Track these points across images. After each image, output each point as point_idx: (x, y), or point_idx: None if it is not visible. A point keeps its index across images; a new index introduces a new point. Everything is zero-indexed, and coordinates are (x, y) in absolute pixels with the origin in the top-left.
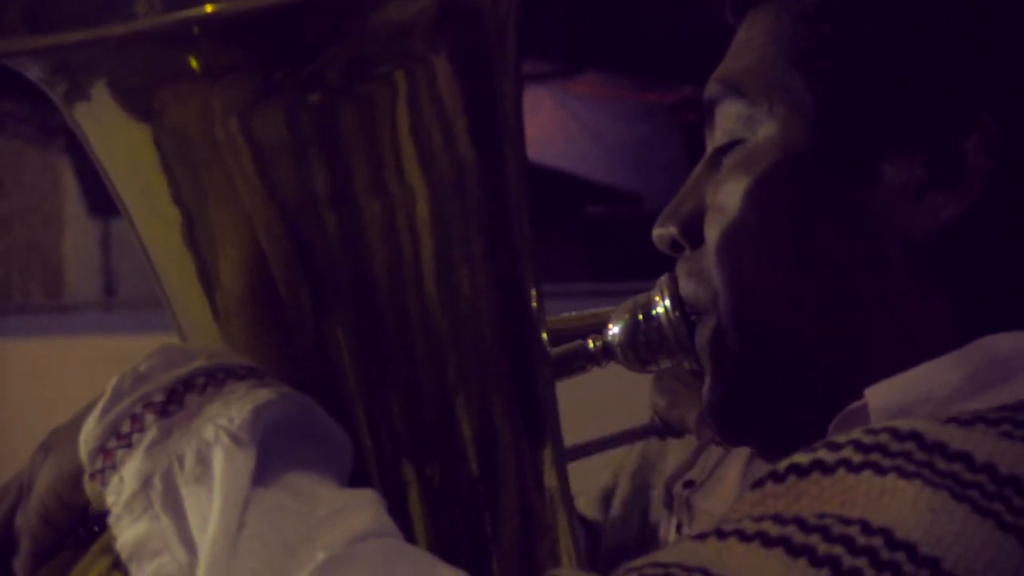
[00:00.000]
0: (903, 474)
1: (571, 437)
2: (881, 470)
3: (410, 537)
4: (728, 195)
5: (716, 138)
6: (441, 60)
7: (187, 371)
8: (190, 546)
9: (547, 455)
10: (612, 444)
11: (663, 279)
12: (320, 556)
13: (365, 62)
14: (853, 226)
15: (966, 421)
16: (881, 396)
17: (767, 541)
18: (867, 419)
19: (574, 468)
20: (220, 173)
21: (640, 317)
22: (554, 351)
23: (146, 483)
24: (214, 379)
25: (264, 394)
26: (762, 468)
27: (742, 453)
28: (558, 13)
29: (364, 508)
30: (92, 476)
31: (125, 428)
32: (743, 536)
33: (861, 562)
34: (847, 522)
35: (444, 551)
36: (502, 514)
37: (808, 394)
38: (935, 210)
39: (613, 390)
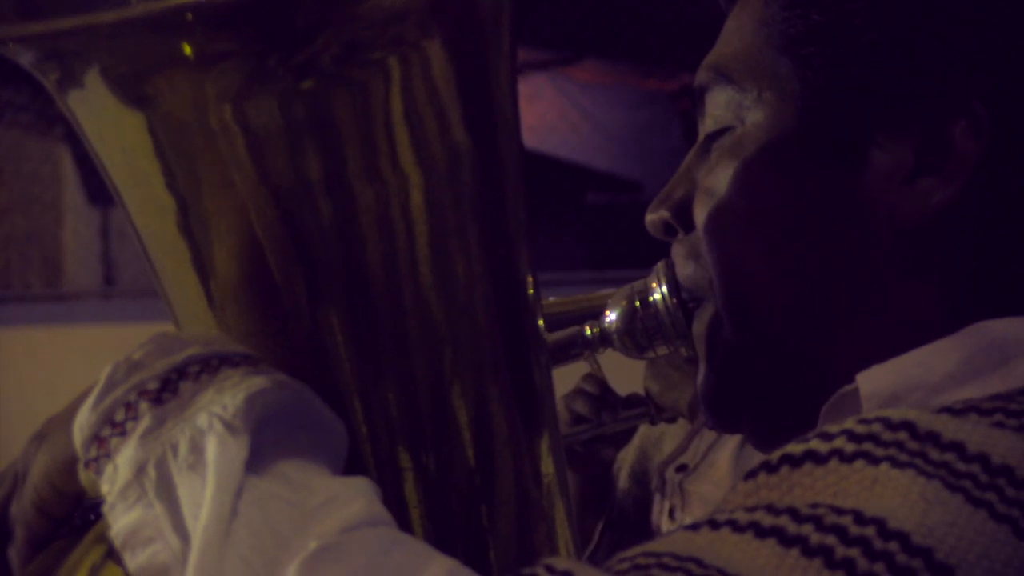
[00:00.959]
0: (896, 464)
1: None
2: (874, 460)
3: (406, 524)
4: (717, 180)
5: (706, 125)
6: (435, 46)
7: (181, 359)
8: (183, 534)
9: (544, 442)
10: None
11: (660, 265)
12: (312, 545)
13: (359, 48)
14: (842, 212)
15: (958, 410)
16: (873, 381)
17: (760, 532)
18: (858, 404)
19: None
20: (214, 160)
21: (637, 304)
22: (551, 338)
23: (140, 471)
24: (208, 366)
25: (258, 381)
26: (754, 453)
27: (734, 437)
28: (558, 1)
29: (357, 497)
30: (87, 464)
31: (119, 416)
32: (736, 527)
33: (854, 552)
34: (840, 512)
35: (440, 538)
36: (498, 501)
37: (798, 381)
38: (924, 196)
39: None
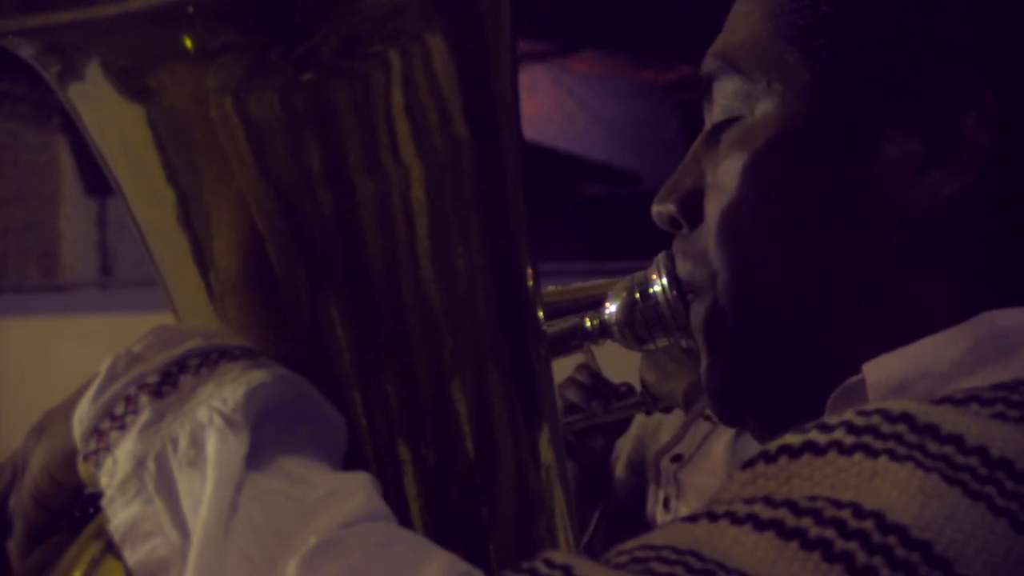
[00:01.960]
0: (894, 457)
1: None
2: (873, 452)
3: (405, 517)
4: (727, 173)
5: (714, 114)
6: (436, 38)
7: (181, 352)
8: (183, 529)
9: (543, 434)
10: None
11: (660, 257)
12: (312, 540)
13: (359, 41)
14: (852, 204)
15: (960, 401)
16: (879, 371)
17: (759, 524)
18: (864, 394)
19: None
20: (214, 153)
21: (637, 296)
22: (551, 330)
23: (139, 465)
24: (208, 360)
25: (258, 376)
26: (749, 443)
27: (730, 428)
28: None
29: (357, 492)
30: (86, 457)
31: (119, 409)
32: (734, 519)
33: (852, 545)
34: (839, 505)
35: (440, 530)
36: (498, 493)
37: (807, 372)
38: (934, 187)
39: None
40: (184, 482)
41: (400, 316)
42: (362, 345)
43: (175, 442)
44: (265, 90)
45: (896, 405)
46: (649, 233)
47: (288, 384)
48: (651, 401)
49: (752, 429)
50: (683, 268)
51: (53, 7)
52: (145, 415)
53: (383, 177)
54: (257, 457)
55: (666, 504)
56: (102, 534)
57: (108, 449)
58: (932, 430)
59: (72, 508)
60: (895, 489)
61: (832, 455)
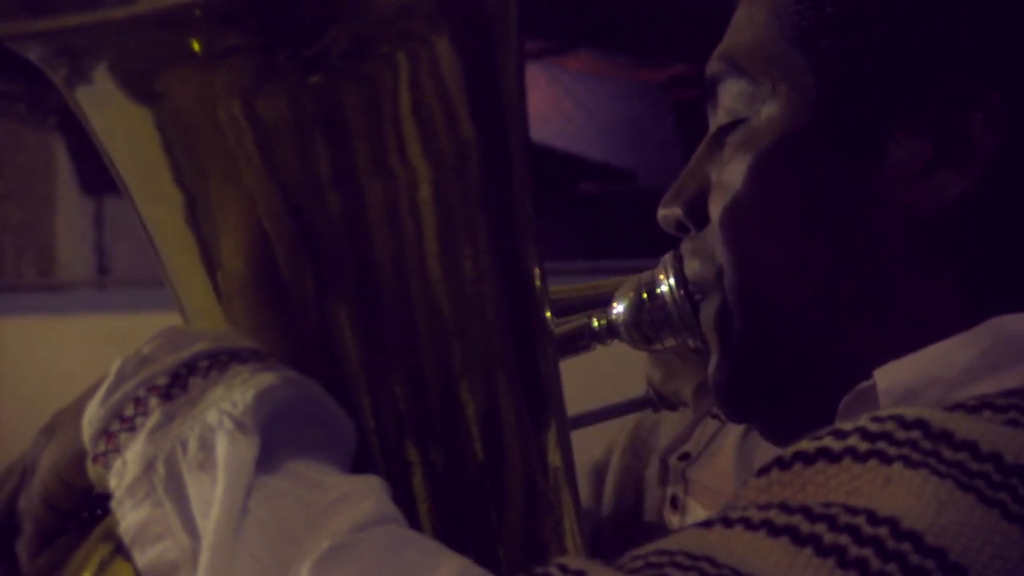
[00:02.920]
0: (909, 463)
1: (569, 412)
2: (887, 459)
3: (414, 518)
4: (732, 174)
5: (719, 117)
6: (443, 40)
7: (190, 354)
8: (193, 531)
9: (551, 434)
10: (607, 416)
11: (668, 257)
12: (324, 544)
13: (367, 43)
14: (857, 205)
15: (972, 407)
16: (890, 377)
17: (773, 530)
18: (875, 400)
19: None
20: (222, 155)
21: (644, 296)
22: (558, 330)
23: (149, 467)
24: (218, 362)
25: (267, 378)
26: (757, 442)
27: (737, 426)
28: None
29: (368, 495)
30: (95, 459)
31: (128, 411)
32: (749, 524)
33: (867, 552)
34: (853, 511)
35: (448, 532)
36: (506, 494)
37: (813, 373)
38: (940, 188)
39: (610, 364)
40: (194, 485)
41: (408, 317)
42: (370, 347)
43: (185, 444)
44: (273, 92)
45: (910, 411)
46: (645, 231)
47: (297, 387)
48: (657, 400)
49: (759, 427)
50: (691, 267)
51: (62, 10)
52: (155, 417)
53: (391, 179)
54: (267, 460)
55: (674, 503)
56: (111, 536)
57: (117, 451)
58: (946, 436)
59: (81, 509)
60: (909, 495)
61: (847, 462)
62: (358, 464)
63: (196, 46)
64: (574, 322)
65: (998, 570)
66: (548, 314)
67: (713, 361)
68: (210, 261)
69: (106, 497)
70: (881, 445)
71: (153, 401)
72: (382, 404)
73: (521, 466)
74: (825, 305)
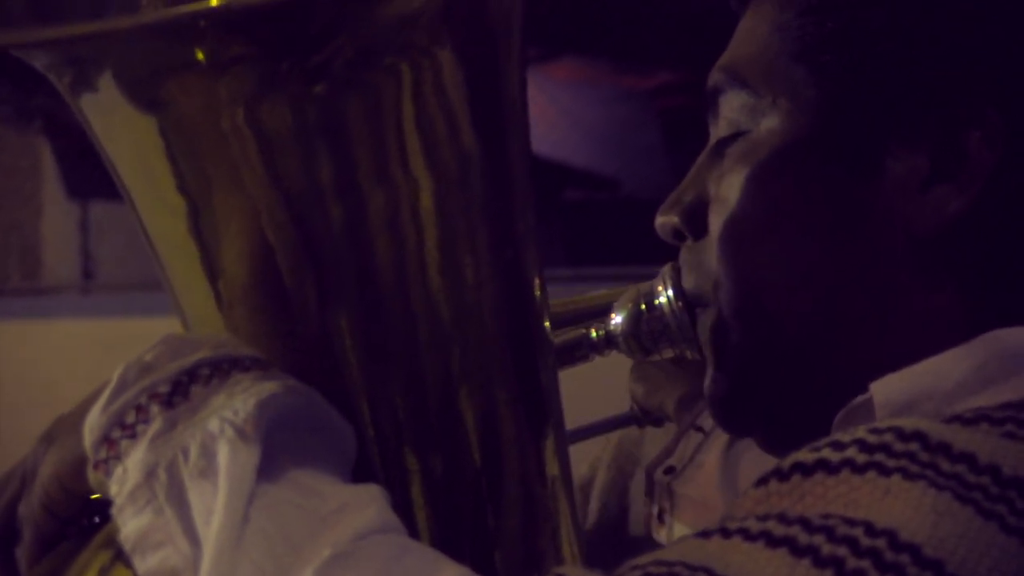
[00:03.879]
0: (907, 475)
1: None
2: (885, 471)
3: (412, 526)
4: (730, 187)
5: (720, 128)
6: (446, 51)
7: (192, 362)
8: (194, 539)
9: (550, 443)
10: (592, 433)
11: (666, 268)
12: (326, 552)
13: (371, 53)
14: (856, 220)
15: (970, 420)
16: (886, 390)
17: (772, 541)
18: (872, 413)
19: None
20: (226, 163)
21: (643, 307)
22: (557, 340)
23: (150, 475)
24: (219, 370)
25: (269, 387)
26: (740, 452)
27: (721, 438)
28: None
29: (369, 504)
30: (96, 466)
31: (130, 418)
32: (748, 535)
33: (865, 563)
34: (852, 523)
35: (447, 541)
36: (505, 503)
37: (811, 387)
38: (939, 204)
39: (595, 378)
40: (195, 492)
41: (408, 326)
42: (370, 355)
43: (186, 452)
44: (276, 101)
45: (909, 423)
46: (630, 238)
47: (299, 395)
48: (642, 415)
49: (758, 441)
50: (688, 280)
51: (65, 16)
52: (156, 424)
53: (392, 188)
54: (268, 468)
55: (660, 517)
56: (112, 542)
57: (118, 458)
58: (944, 448)
59: (82, 516)
60: (908, 507)
61: (845, 473)
62: (357, 472)
63: (200, 55)
64: (573, 332)
65: None
66: (547, 324)
67: (709, 374)
68: (212, 268)
69: (107, 504)
70: (879, 457)
71: (155, 408)
72: (382, 412)
73: (519, 475)
74: (824, 319)
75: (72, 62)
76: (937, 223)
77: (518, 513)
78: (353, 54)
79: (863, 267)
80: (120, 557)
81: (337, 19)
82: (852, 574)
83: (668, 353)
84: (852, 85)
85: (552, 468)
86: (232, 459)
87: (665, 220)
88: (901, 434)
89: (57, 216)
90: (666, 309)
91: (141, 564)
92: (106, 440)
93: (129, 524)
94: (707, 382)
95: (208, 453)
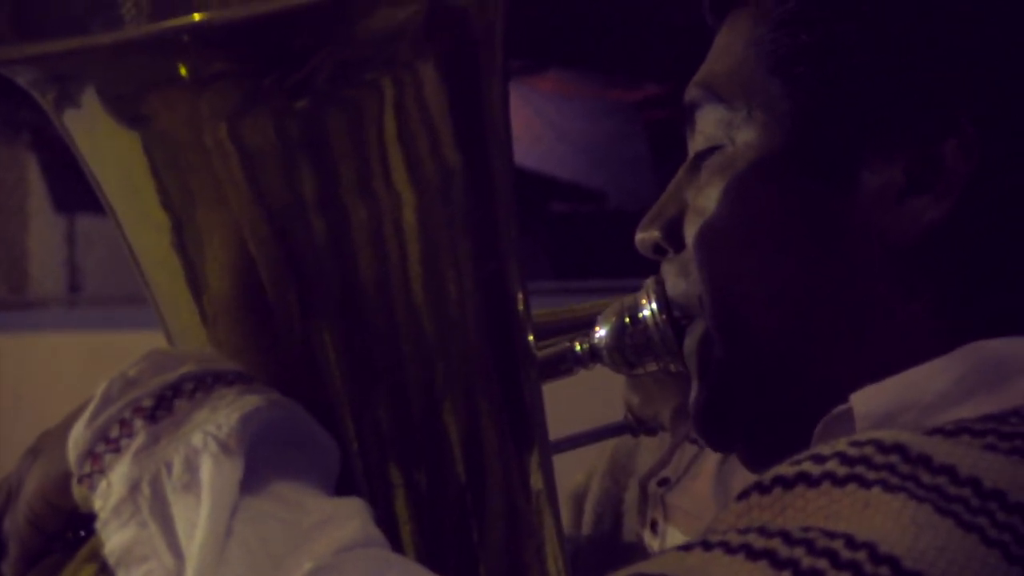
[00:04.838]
0: (887, 487)
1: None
2: (866, 483)
3: (396, 541)
4: (707, 199)
5: (696, 143)
6: (428, 66)
7: (176, 376)
8: (177, 553)
9: (533, 457)
10: (585, 441)
11: (650, 281)
12: (307, 566)
13: (353, 68)
14: (832, 231)
15: (950, 432)
16: (867, 401)
17: (752, 554)
18: (852, 424)
19: None
20: (209, 178)
21: (627, 320)
22: (540, 354)
23: (134, 489)
24: (203, 384)
25: (252, 401)
26: (736, 467)
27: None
28: (522, 10)
29: (352, 518)
30: (80, 480)
31: (114, 433)
32: (728, 548)
33: (845, 575)
34: (831, 536)
35: (431, 554)
36: (489, 517)
37: (790, 401)
38: (915, 215)
39: (589, 388)
40: (179, 506)
41: (391, 340)
42: (354, 369)
43: (169, 466)
44: (259, 117)
45: (889, 436)
46: (616, 251)
47: (282, 409)
48: (636, 425)
49: (739, 455)
50: (675, 287)
51: (48, 31)
52: (140, 439)
53: (375, 203)
54: (252, 482)
55: (653, 528)
56: (96, 556)
57: (103, 472)
58: (925, 461)
59: (67, 530)
60: (888, 520)
61: (826, 486)
62: (341, 486)
63: (183, 71)
64: (557, 346)
65: None
66: (531, 337)
67: (694, 388)
68: (196, 283)
69: (91, 518)
70: (860, 469)
71: (138, 423)
72: (365, 426)
73: (503, 489)
74: (801, 331)
75: (55, 78)
76: (914, 234)
77: (502, 526)
78: (335, 69)
79: (840, 279)
80: (105, 570)
81: (319, 35)
82: None
83: (652, 367)
84: (826, 97)
85: (536, 481)
86: (215, 473)
87: (645, 236)
88: (881, 446)
89: (44, 229)
90: (650, 322)
91: None
92: (90, 454)
93: (113, 538)
94: (692, 397)
95: (192, 467)
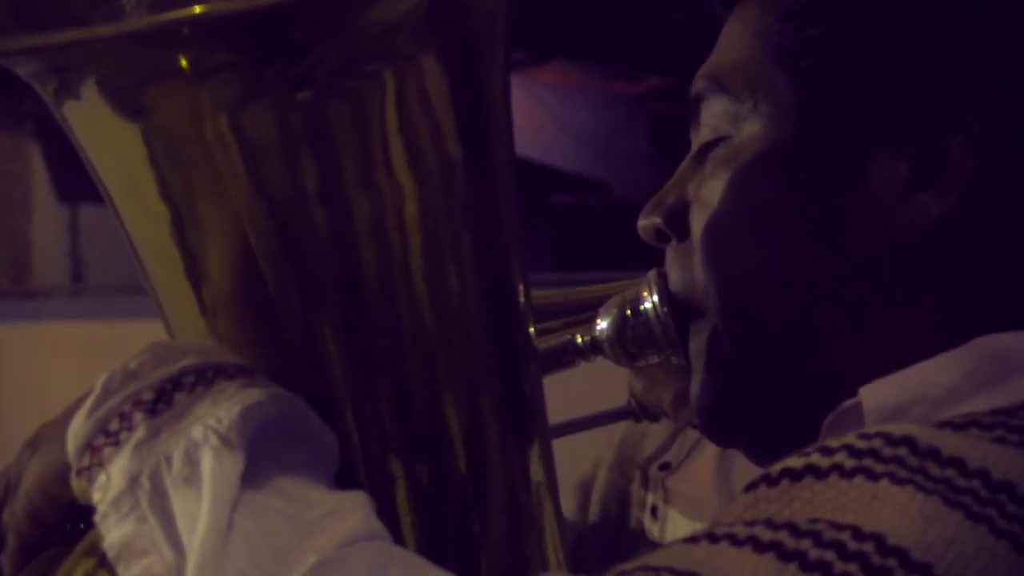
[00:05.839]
0: (895, 480)
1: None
2: (874, 476)
3: (397, 532)
4: (712, 190)
5: (702, 134)
6: (430, 58)
7: (176, 369)
8: (178, 547)
9: (534, 449)
10: (589, 425)
11: (651, 274)
12: (311, 560)
13: (354, 60)
14: (837, 225)
15: (959, 425)
16: (875, 395)
17: (759, 546)
18: (861, 418)
19: None
20: (209, 170)
21: (628, 312)
22: (542, 346)
23: (133, 482)
24: (203, 378)
25: (253, 394)
26: (737, 453)
27: None
28: (525, 2)
29: (354, 512)
30: (79, 473)
31: (114, 426)
32: (735, 540)
33: (852, 567)
34: (839, 527)
35: (432, 547)
36: (490, 509)
37: (796, 394)
38: (920, 210)
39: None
40: (179, 500)
41: (392, 332)
42: (355, 362)
43: (169, 460)
44: (260, 108)
45: (897, 428)
46: (619, 243)
47: (283, 402)
48: (639, 410)
49: (743, 450)
50: (677, 278)
51: (49, 23)
52: (139, 432)
53: (377, 195)
54: (253, 476)
55: (653, 512)
56: (95, 549)
57: (101, 465)
58: (933, 453)
59: (65, 523)
60: (896, 512)
61: (833, 478)
62: (342, 479)
63: (184, 62)
64: (558, 338)
65: None
66: (532, 330)
67: (697, 382)
68: (196, 276)
69: (90, 511)
70: (868, 462)
71: (138, 416)
72: (366, 419)
73: (504, 481)
74: (805, 324)
75: (56, 70)
76: (919, 228)
77: (503, 519)
78: (337, 61)
79: (843, 273)
80: (104, 564)
81: (321, 26)
82: None
83: (653, 359)
84: (832, 91)
85: (537, 474)
86: (216, 466)
87: (647, 222)
88: (890, 439)
89: (47, 219)
90: (651, 315)
91: (125, 572)
92: (89, 447)
93: (112, 532)
94: (694, 390)
95: (192, 460)
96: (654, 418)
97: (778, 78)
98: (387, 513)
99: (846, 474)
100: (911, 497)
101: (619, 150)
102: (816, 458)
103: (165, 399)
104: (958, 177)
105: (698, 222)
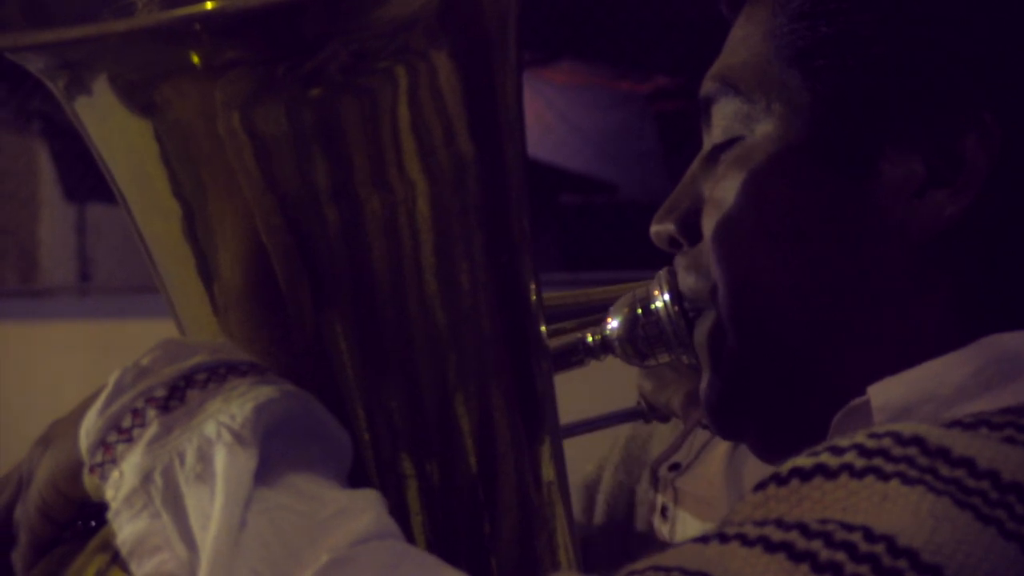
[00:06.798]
0: (906, 480)
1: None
2: (884, 476)
3: (408, 531)
4: (725, 190)
5: (714, 135)
6: (442, 55)
7: (189, 366)
8: (191, 544)
9: (545, 448)
10: (598, 426)
11: (662, 273)
12: (324, 558)
13: (366, 57)
14: (851, 224)
15: (969, 425)
16: (884, 394)
17: (769, 546)
18: (869, 416)
19: None
20: (221, 167)
21: (639, 311)
22: (553, 345)
23: (146, 479)
24: (216, 375)
25: (266, 391)
26: (747, 452)
27: None
28: (535, 2)
29: (367, 510)
30: (92, 470)
31: (126, 422)
32: (745, 540)
33: (863, 569)
34: (849, 528)
35: (442, 545)
36: (500, 508)
37: (805, 391)
38: (934, 209)
39: (601, 375)
40: (192, 497)
41: (404, 331)
42: (365, 360)
43: (182, 457)
44: (272, 105)
45: (907, 428)
46: (626, 242)
47: (295, 400)
48: (648, 410)
49: (751, 446)
50: (685, 282)
51: (60, 19)
52: (152, 429)
53: (388, 193)
54: (266, 473)
55: (663, 512)
56: (108, 546)
57: (114, 462)
58: (943, 453)
59: (77, 520)
60: (906, 513)
61: (843, 478)
62: (354, 477)
63: (196, 59)
64: (569, 337)
65: None
66: (543, 328)
67: (705, 379)
68: (207, 273)
69: (103, 508)
70: (878, 462)
71: (151, 413)
72: (378, 417)
73: (515, 480)
74: (817, 323)
75: (67, 66)
76: (933, 228)
77: (514, 518)
78: (349, 58)
79: (857, 272)
80: (116, 560)
81: (333, 23)
82: None
83: (664, 358)
84: (846, 90)
85: (548, 473)
86: (229, 464)
87: (660, 229)
88: (899, 439)
89: (54, 218)
90: (662, 314)
91: (138, 569)
92: (102, 444)
93: (125, 529)
94: (702, 387)
95: (205, 458)
96: (664, 419)
97: (791, 78)
98: (398, 511)
99: (856, 474)
100: (921, 498)
101: (627, 149)
102: (826, 457)
103: (178, 396)
104: (973, 176)
105: (711, 222)
